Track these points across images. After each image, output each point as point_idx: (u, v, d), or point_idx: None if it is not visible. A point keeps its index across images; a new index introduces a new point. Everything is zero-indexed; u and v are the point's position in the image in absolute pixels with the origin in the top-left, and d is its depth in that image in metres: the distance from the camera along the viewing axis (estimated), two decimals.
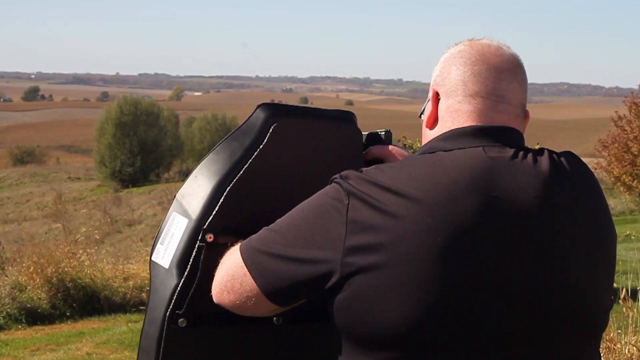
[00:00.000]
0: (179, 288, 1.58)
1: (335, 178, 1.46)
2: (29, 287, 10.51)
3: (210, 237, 1.58)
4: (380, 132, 1.85)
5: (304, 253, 1.41)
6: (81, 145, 73.05)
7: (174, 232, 1.61)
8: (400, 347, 1.37)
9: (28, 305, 10.23)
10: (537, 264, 1.40)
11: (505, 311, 1.37)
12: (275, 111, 1.65)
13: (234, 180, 1.60)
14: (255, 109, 1.65)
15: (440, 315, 1.35)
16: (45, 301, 10.43)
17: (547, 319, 1.40)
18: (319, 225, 1.41)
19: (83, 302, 10.70)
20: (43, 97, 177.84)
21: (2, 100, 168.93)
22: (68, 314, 10.45)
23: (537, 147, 1.56)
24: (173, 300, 1.58)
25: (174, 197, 1.66)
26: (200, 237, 1.58)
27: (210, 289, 1.54)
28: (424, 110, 1.63)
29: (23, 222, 31.80)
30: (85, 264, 11.25)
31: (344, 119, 1.75)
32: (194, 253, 1.58)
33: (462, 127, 1.48)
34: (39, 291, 10.46)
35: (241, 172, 1.60)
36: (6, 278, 10.77)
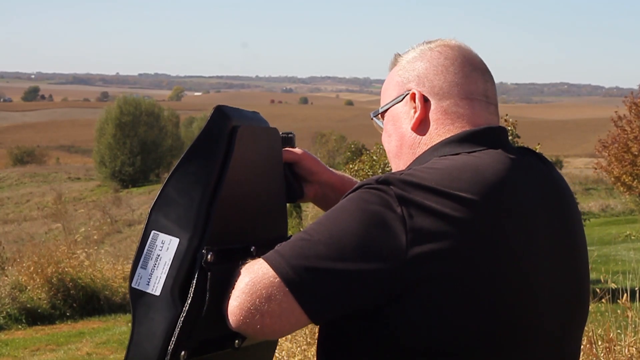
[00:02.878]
0: (182, 318, 1.40)
1: (369, 184, 1.35)
2: (29, 287, 10.52)
3: (211, 257, 1.41)
4: (288, 134, 1.74)
5: (360, 266, 1.29)
6: (81, 145, 73.09)
7: (160, 254, 1.43)
8: (465, 354, 1.32)
9: (28, 305, 10.24)
10: (574, 260, 1.46)
11: (556, 310, 1.41)
12: (233, 114, 1.53)
13: (220, 192, 1.45)
14: (214, 112, 1.51)
15: (511, 319, 1.34)
16: (45, 301, 10.44)
17: (576, 316, 1.47)
18: (372, 235, 1.30)
19: (83, 302, 10.72)
20: (43, 97, 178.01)
21: (2, 100, 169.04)
22: (68, 314, 10.47)
23: (537, 147, 1.58)
24: (176, 332, 1.40)
25: (148, 213, 1.45)
26: (203, 259, 1.41)
27: (213, 315, 1.40)
28: (382, 112, 1.58)
29: (23, 222, 31.82)
30: (85, 264, 11.27)
31: (260, 119, 1.63)
32: (195, 277, 1.41)
33: (471, 130, 1.46)
34: (39, 291, 10.47)
35: (223, 183, 1.46)
36: (6, 278, 10.78)
